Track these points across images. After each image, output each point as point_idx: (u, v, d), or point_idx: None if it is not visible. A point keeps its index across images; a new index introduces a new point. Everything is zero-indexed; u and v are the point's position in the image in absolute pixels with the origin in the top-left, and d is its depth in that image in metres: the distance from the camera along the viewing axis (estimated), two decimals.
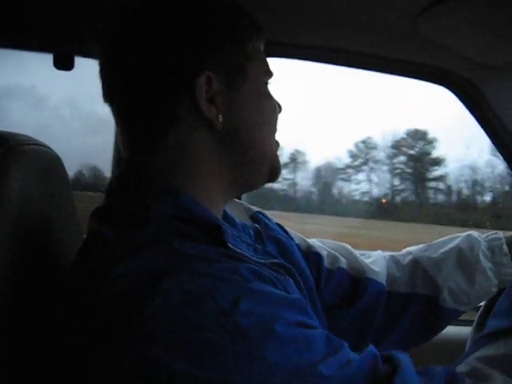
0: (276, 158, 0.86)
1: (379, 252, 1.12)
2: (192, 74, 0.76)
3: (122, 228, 0.71)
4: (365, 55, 1.42)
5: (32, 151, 0.87)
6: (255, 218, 1.00)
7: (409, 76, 1.54)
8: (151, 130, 0.78)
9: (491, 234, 1.08)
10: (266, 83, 0.85)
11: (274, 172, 0.86)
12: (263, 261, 0.77)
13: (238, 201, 1.04)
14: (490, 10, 1.07)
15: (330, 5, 1.16)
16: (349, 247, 1.09)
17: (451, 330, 1.20)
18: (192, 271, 0.64)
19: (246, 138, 0.81)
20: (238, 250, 0.73)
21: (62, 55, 1.33)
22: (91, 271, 0.68)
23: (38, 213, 0.87)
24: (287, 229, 1.05)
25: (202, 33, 0.77)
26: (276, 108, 0.86)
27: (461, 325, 1.57)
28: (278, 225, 1.03)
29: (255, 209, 1.03)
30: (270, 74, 0.85)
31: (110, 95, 0.81)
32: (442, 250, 1.06)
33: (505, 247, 1.05)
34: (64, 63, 1.34)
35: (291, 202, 7.39)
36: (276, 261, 0.82)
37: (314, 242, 1.07)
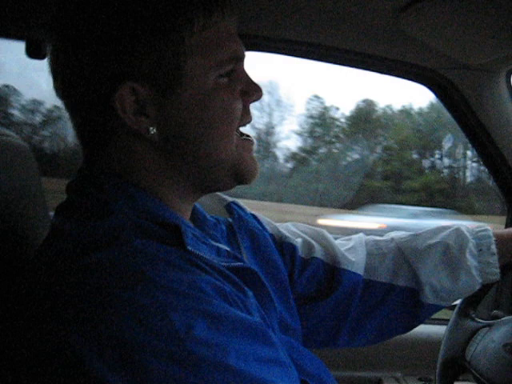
0: (241, 161, 0.77)
1: (361, 236, 1.09)
2: (110, 85, 0.68)
3: (81, 223, 0.69)
4: (344, 51, 1.41)
5: None
6: (229, 209, 0.98)
7: (388, 73, 1.53)
8: (93, 137, 0.75)
9: (481, 229, 1.06)
10: (228, 72, 0.73)
11: (241, 176, 0.78)
12: (224, 263, 0.73)
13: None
14: (471, 9, 1.06)
15: (312, 1, 1.14)
16: (326, 233, 1.07)
17: (424, 329, 1.21)
18: (148, 282, 0.61)
19: (191, 146, 0.73)
20: (198, 253, 0.69)
21: (34, 42, 1.29)
22: (50, 266, 0.66)
23: (5, 203, 0.85)
24: (261, 218, 1.02)
25: (117, 40, 0.67)
26: (236, 99, 0.75)
27: (434, 323, 1.59)
28: (253, 215, 1.01)
29: (229, 199, 1.00)
30: (231, 61, 0.73)
31: (56, 90, 0.76)
32: (428, 242, 1.04)
33: (493, 246, 1.03)
34: (36, 51, 1.30)
35: None
36: (238, 264, 0.77)
37: (289, 228, 1.05)
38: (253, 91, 0.77)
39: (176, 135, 0.72)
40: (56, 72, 0.74)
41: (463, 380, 1.20)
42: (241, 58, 0.76)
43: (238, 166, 0.77)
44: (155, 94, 0.70)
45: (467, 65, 1.38)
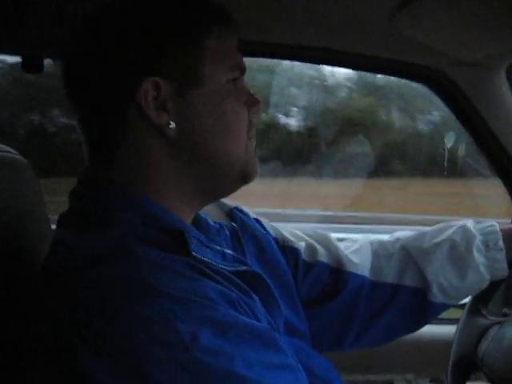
0: (248, 162, 0.80)
1: (366, 237, 1.09)
2: (136, 80, 0.72)
3: (85, 234, 0.69)
4: (340, 52, 1.40)
5: None
6: (231, 214, 0.98)
7: (385, 73, 1.53)
8: (107, 137, 0.76)
9: (487, 225, 1.04)
10: (234, 80, 0.78)
11: (246, 177, 0.81)
12: (230, 268, 0.74)
13: None
14: (466, 5, 1.06)
15: (306, 3, 1.14)
16: (330, 237, 1.06)
17: (435, 329, 1.20)
18: (153, 292, 0.61)
19: (205, 146, 0.76)
20: (203, 259, 0.70)
21: (31, 57, 1.29)
22: (55, 280, 0.67)
23: (6, 220, 0.85)
24: (264, 222, 1.02)
25: (145, 37, 0.72)
26: (243, 108, 0.79)
27: (446, 323, 1.58)
28: (256, 219, 1.01)
29: (232, 205, 1.00)
30: (237, 70, 0.79)
31: (69, 96, 0.78)
32: (434, 241, 1.03)
33: (500, 242, 1.01)
34: (33, 66, 1.31)
35: None
36: (244, 268, 0.78)
37: (293, 232, 1.05)
38: (254, 103, 0.80)
39: (192, 132, 0.75)
40: (74, 75, 0.77)
41: (475, 379, 1.19)
42: (244, 70, 0.80)
43: (246, 167, 0.80)
44: (175, 91, 0.73)
45: (466, 61, 1.38)
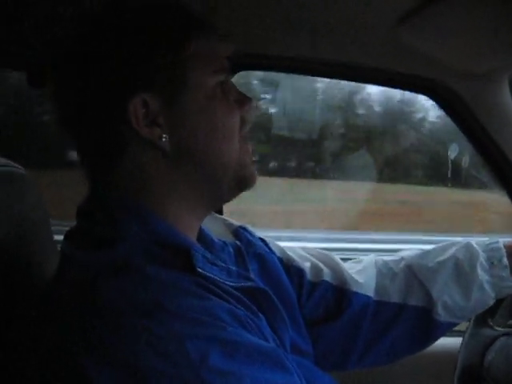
0: (243, 166, 0.80)
1: (371, 257, 1.09)
2: (123, 101, 0.72)
3: (94, 251, 0.70)
4: (343, 65, 1.41)
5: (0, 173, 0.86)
6: (237, 234, 0.98)
7: (389, 85, 1.53)
8: (105, 159, 0.76)
9: (491, 242, 1.04)
10: (221, 82, 0.79)
11: (243, 182, 0.81)
12: (236, 284, 0.74)
13: (219, 216, 1.03)
14: (470, 17, 1.06)
15: (307, 14, 1.14)
16: (334, 257, 1.06)
17: (441, 341, 1.19)
18: (162, 310, 0.62)
19: (199, 152, 0.76)
20: (209, 275, 0.70)
21: (36, 73, 1.30)
22: (65, 296, 0.67)
23: (8, 233, 0.86)
24: (269, 241, 1.02)
25: (126, 58, 0.72)
26: (233, 108, 0.79)
27: (452, 335, 1.56)
28: (261, 239, 1.01)
29: (237, 224, 1.01)
30: (222, 72, 0.79)
31: (61, 122, 0.79)
32: (438, 259, 1.03)
33: (505, 259, 1.01)
34: (38, 80, 1.31)
35: None
36: (250, 284, 0.78)
37: (297, 252, 1.05)
38: (244, 101, 0.80)
39: (184, 142, 0.76)
40: (65, 102, 0.77)
41: None
42: (229, 71, 0.80)
43: (241, 172, 0.80)
44: (164, 104, 0.74)
45: (469, 73, 1.38)
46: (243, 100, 0.81)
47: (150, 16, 0.75)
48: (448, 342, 1.48)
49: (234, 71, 1.41)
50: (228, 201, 0.85)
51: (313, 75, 1.49)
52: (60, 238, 0.81)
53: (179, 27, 0.76)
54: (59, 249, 0.79)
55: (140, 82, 0.73)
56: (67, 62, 0.76)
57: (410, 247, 1.14)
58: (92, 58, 0.73)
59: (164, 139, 0.74)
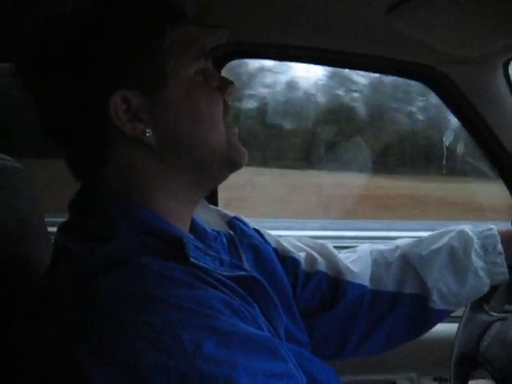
0: (230, 147, 0.79)
1: (366, 246, 1.09)
2: (102, 99, 0.71)
3: (88, 245, 0.70)
4: (336, 52, 1.40)
5: None
6: (231, 224, 0.98)
7: (383, 72, 1.53)
8: (92, 158, 0.76)
9: (485, 229, 1.04)
10: (202, 69, 0.77)
11: (232, 163, 0.80)
12: (229, 273, 0.74)
13: (213, 207, 1.03)
14: (462, 2, 1.06)
15: (301, 3, 1.14)
16: (329, 247, 1.06)
17: (438, 327, 1.19)
18: (157, 301, 0.62)
19: (185, 141, 0.76)
20: (202, 265, 0.70)
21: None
22: (60, 289, 0.68)
23: (2, 227, 0.86)
24: (263, 232, 1.02)
25: (99, 54, 0.71)
26: (216, 94, 0.78)
27: (448, 321, 1.57)
28: (255, 229, 1.01)
29: (231, 214, 1.00)
30: (201, 59, 0.77)
31: (45, 128, 0.78)
32: (432, 247, 1.03)
33: (499, 246, 1.01)
34: None
35: None
36: (243, 273, 0.78)
37: (292, 242, 1.05)
38: (226, 85, 0.80)
39: (169, 134, 0.75)
40: (45, 106, 0.76)
41: (478, 377, 1.19)
42: (208, 56, 0.79)
43: (230, 153, 0.79)
44: (144, 98, 0.73)
45: (462, 58, 1.37)
46: (225, 85, 0.80)
47: (123, 10, 0.74)
48: (444, 328, 1.49)
49: (228, 59, 1.41)
50: (219, 183, 0.86)
51: (306, 63, 1.48)
52: (53, 229, 0.81)
53: (152, 19, 0.74)
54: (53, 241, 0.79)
55: (118, 78, 0.72)
56: (45, 61, 0.74)
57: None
58: (70, 56, 0.72)
59: (148, 134, 0.73)
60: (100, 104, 0.71)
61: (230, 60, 1.43)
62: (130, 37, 0.72)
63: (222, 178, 0.83)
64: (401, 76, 1.56)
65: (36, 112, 0.77)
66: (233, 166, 0.81)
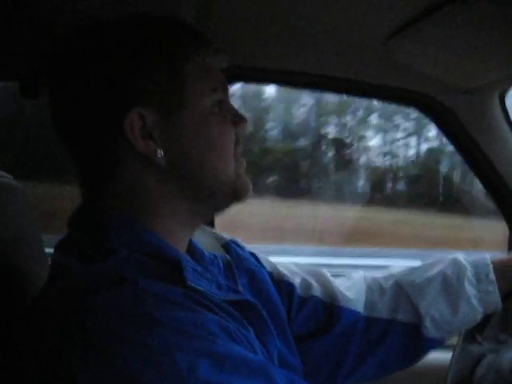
0: (238, 181, 0.81)
1: (360, 274, 1.09)
2: (119, 114, 0.73)
3: (86, 263, 0.70)
4: (334, 79, 1.41)
5: None
6: (227, 247, 0.98)
7: (381, 99, 1.54)
8: (99, 171, 0.77)
9: (479, 258, 1.05)
10: (218, 101, 0.79)
11: (238, 196, 0.82)
12: (225, 297, 0.75)
13: (209, 229, 1.03)
14: (460, 32, 1.07)
15: (299, 29, 1.15)
16: (325, 273, 1.07)
17: (431, 355, 1.19)
18: (154, 323, 0.62)
19: (194, 168, 0.77)
20: (199, 288, 0.71)
21: (29, 84, 1.29)
22: (57, 305, 0.67)
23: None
24: (259, 256, 1.02)
25: (123, 70, 0.73)
26: (229, 127, 0.80)
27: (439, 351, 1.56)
28: (251, 253, 1.01)
29: (227, 237, 1.01)
30: (220, 91, 0.80)
31: (58, 135, 0.79)
32: (426, 275, 1.04)
33: (491, 274, 1.02)
34: (31, 91, 1.31)
35: None
36: (238, 297, 0.79)
37: (288, 267, 1.05)
38: (240, 121, 0.81)
39: (179, 157, 0.76)
40: (60, 113, 0.78)
41: None
42: (227, 89, 0.81)
43: (237, 184, 0.81)
44: (160, 118, 0.75)
45: (460, 88, 1.39)
46: (239, 119, 0.82)
47: (152, 30, 0.76)
48: (438, 357, 1.48)
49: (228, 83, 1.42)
50: (221, 212, 0.86)
51: (304, 88, 1.49)
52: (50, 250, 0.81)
53: (179, 43, 0.76)
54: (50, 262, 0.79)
55: (139, 95, 0.73)
56: (66, 72, 0.77)
57: None
58: (92, 69, 0.74)
59: (159, 154, 0.74)
60: (117, 117, 0.73)
61: (229, 83, 1.44)
62: (155, 55, 0.74)
63: (225, 207, 0.84)
64: (399, 103, 1.57)
65: (52, 118, 0.78)
66: (238, 197, 0.82)
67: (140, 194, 0.76)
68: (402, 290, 1.03)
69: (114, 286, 0.65)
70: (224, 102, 0.81)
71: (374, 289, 1.05)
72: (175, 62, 0.75)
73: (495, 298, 1.02)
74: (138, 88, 0.73)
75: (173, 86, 0.75)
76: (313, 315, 1.01)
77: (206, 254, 0.89)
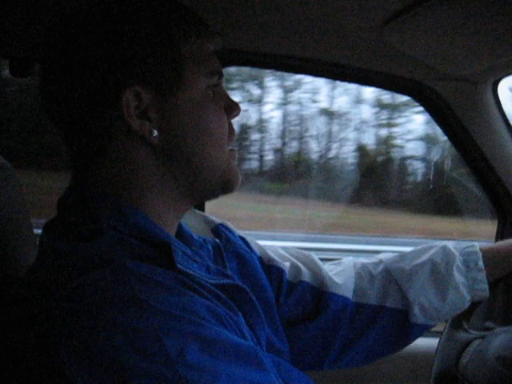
0: (229, 170, 0.81)
1: (350, 259, 1.10)
2: (116, 90, 0.72)
3: (74, 242, 0.69)
4: (330, 64, 1.41)
5: None
6: (217, 231, 0.98)
7: (374, 86, 1.54)
8: (89, 148, 0.76)
9: (468, 245, 1.06)
10: (214, 85, 0.79)
11: (227, 186, 0.81)
12: (214, 281, 0.74)
13: (199, 213, 1.03)
14: (455, 20, 1.06)
15: (295, 14, 1.14)
16: (314, 258, 1.07)
17: (418, 342, 1.20)
18: (141, 305, 0.61)
19: (187, 151, 0.76)
20: (188, 271, 0.70)
21: (19, 61, 1.28)
22: (44, 286, 0.67)
23: None
24: (249, 240, 1.02)
25: (122, 46, 0.72)
26: (223, 114, 0.80)
27: (429, 336, 1.57)
28: (241, 237, 1.01)
29: (217, 221, 1.00)
30: (217, 75, 0.79)
31: (47, 110, 0.78)
32: (415, 262, 1.04)
33: (480, 262, 1.03)
34: (21, 69, 1.29)
35: None
36: (228, 281, 0.78)
37: (278, 251, 1.05)
38: (233, 108, 0.81)
39: (174, 139, 0.75)
40: (52, 89, 0.76)
41: None
42: (222, 75, 0.80)
43: (227, 174, 0.80)
44: (156, 98, 0.74)
45: (453, 76, 1.39)
46: (232, 106, 0.81)
47: (152, 9, 0.75)
48: (424, 343, 1.50)
49: (224, 65, 1.41)
50: (209, 200, 0.85)
51: (300, 73, 1.49)
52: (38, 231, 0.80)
53: (178, 26, 0.75)
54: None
55: (137, 74, 0.72)
56: (63, 48, 0.75)
57: None
58: (90, 45, 0.72)
59: (154, 134, 0.73)
60: (113, 95, 0.72)
61: (225, 66, 1.43)
62: (155, 34, 0.73)
63: (213, 196, 0.83)
64: (391, 90, 1.57)
65: (43, 96, 0.77)
66: (227, 187, 0.81)
67: (131, 173, 0.75)
68: (391, 276, 1.04)
69: (100, 268, 0.64)
70: (219, 87, 0.80)
71: (364, 275, 1.05)
72: (174, 42, 0.74)
73: (483, 286, 1.02)
74: (136, 66, 0.72)
75: (171, 66, 0.74)
76: (301, 300, 1.01)
77: (196, 237, 0.89)
